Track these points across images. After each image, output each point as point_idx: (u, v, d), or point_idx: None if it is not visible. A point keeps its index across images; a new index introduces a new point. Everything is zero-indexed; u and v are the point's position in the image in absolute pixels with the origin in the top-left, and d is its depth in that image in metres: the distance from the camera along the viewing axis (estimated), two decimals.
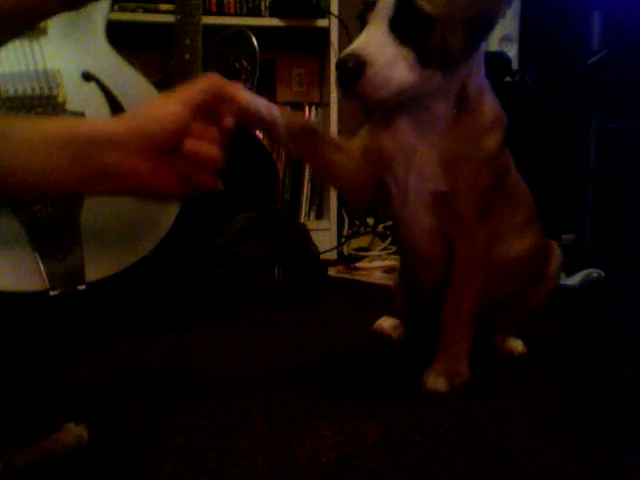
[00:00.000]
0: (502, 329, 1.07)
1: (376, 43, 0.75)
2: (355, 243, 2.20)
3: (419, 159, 0.86)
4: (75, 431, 0.70)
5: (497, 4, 0.80)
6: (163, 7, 1.89)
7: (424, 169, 0.86)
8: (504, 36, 1.92)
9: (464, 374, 0.90)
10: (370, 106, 0.79)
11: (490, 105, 0.88)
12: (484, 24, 0.80)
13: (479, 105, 0.86)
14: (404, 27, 0.75)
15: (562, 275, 1.68)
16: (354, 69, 0.73)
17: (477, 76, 0.85)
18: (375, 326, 1.12)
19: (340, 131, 2.05)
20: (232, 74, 1.76)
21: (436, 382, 0.88)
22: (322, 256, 1.88)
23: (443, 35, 0.76)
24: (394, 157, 0.88)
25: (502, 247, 0.95)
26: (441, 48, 0.76)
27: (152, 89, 1.33)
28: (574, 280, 1.66)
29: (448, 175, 0.85)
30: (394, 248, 2.09)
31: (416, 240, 0.93)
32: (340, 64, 0.74)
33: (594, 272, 1.67)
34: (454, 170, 0.85)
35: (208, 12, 1.89)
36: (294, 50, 2.18)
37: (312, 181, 2.15)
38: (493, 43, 1.91)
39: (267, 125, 0.81)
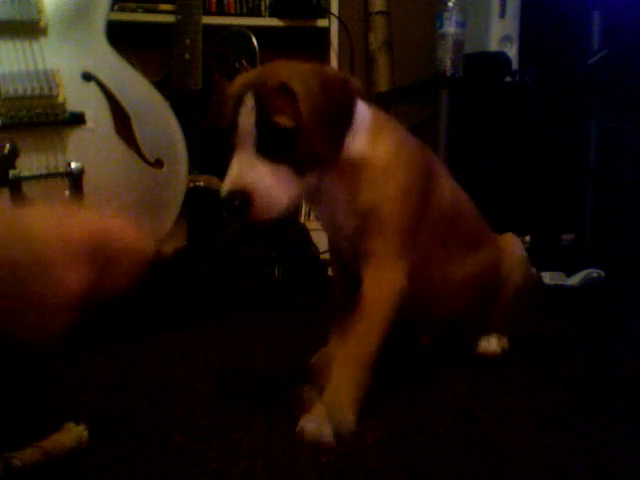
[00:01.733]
0: (483, 332, 1.07)
1: (251, 170, 0.76)
2: None
3: (335, 217, 0.89)
4: (75, 431, 0.70)
5: (347, 98, 0.81)
6: (163, 7, 1.89)
7: (340, 222, 0.88)
8: (504, 36, 1.92)
9: (349, 418, 0.76)
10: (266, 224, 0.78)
11: (381, 157, 0.86)
12: (341, 119, 0.81)
13: (368, 163, 0.85)
14: (270, 146, 0.77)
15: (562, 275, 1.68)
16: (241, 205, 0.75)
17: (355, 141, 0.84)
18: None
19: None
20: (232, 74, 1.76)
21: (319, 429, 0.74)
22: (322, 256, 1.88)
23: (308, 143, 0.77)
24: (327, 229, 0.94)
25: (450, 268, 0.96)
26: (310, 154, 0.78)
27: (152, 89, 1.32)
28: (574, 280, 1.66)
29: (357, 227, 0.87)
30: None
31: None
32: (226, 204, 0.75)
33: (594, 272, 1.68)
34: (362, 223, 0.86)
35: (208, 12, 1.89)
36: (294, 50, 2.17)
37: None
38: (493, 43, 1.91)
39: None
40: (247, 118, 0.77)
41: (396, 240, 0.85)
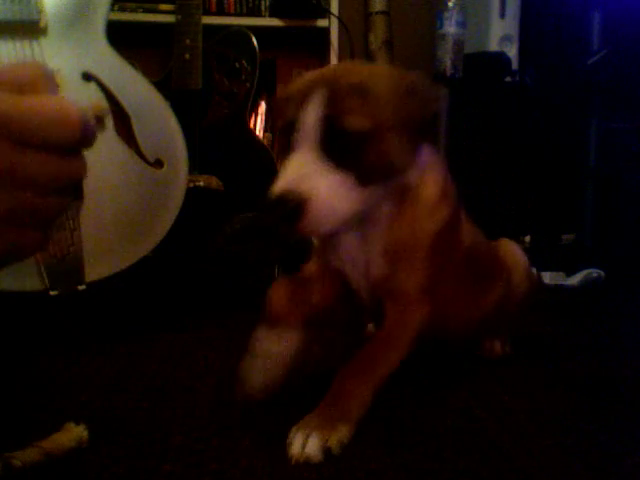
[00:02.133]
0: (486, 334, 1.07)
1: (311, 174, 0.66)
2: None
3: (363, 257, 0.81)
4: (75, 431, 0.70)
5: (433, 103, 0.74)
6: (163, 7, 1.89)
7: (368, 264, 0.81)
8: (504, 36, 1.92)
9: (342, 433, 0.71)
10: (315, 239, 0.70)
11: (432, 187, 0.81)
12: (425, 129, 0.73)
13: (420, 192, 0.80)
14: (336, 150, 0.67)
15: (562, 275, 1.68)
16: (293, 212, 0.64)
17: (418, 166, 0.78)
18: None
19: None
20: (232, 74, 1.76)
21: (306, 445, 0.68)
22: None
23: (379, 150, 0.69)
24: (344, 263, 0.83)
25: (468, 303, 0.94)
26: (380, 164, 0.70)
27: (152, 89, 1.32)
28: (574, 280, 1.66)
29: (389, 263, 0.80)
30: None
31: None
32: (275, 208, 0.64)
33: (594, 272, 1.68)
34: (395, 258, 0.80)
35: (208, 12, 1.89)
36: (294, 50, 2.17)
37: None
38: (493, 43, 1.91)
39: None
40: (314, 115, 0.68)
41: (426, 277, 0.81)
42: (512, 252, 1.06)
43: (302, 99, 0.69)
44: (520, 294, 1.03)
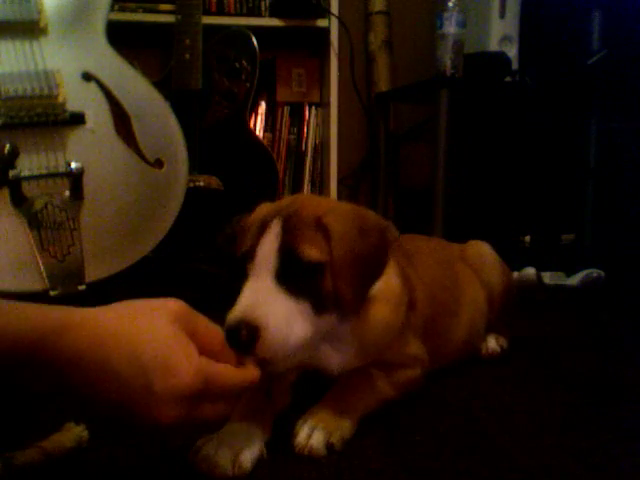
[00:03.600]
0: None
1: (265, 301, 0.68)
2: None
3: (330, 357, 0.81)
4: (75, 431, 0.70)
5: (383, 247, 0.75)
6: (163, 7, 1.88)
7: (337, 362, 0.82)
8: (504, 36, 1.91)
9: (345, 429, 0.74)
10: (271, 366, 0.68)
11: (384, 310, 0.82)
12: (373, 268, 0.75)
13: (374, 305, 0.81)
14: (292, 278, 0.69)
15: (562, 275, 1.68)
16: (248, 339, 0.65)
17: (370, 294, 0.79)
18: None
19: (340, 131, 2.05)
20: (232, 74, 1.76)
21: (311, 437, 0.72)
22: None
23: (334, 281, 0.71)
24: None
25: (450, 334, 0.99)
26: (334, 294, 0.71)
27: (152, 89, 1.33)
28: (574, 280, 1.66)
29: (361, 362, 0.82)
30: None
31: None
32: (231, 334, 0.65)
33: (594, 272, 1.68)
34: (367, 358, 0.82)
35: (208, 12, 1.88)
36: (294, 50, 2.17)
37: (312, 181, 2.15)
38: (493, 43, 1.91)
39: None
40: (270, 244, 0.70)
41: (411, 348, 0.86)
42: (478, 253, 1.09)
43: (259, 229, 0.72)
44: (496, 287, 1.07)
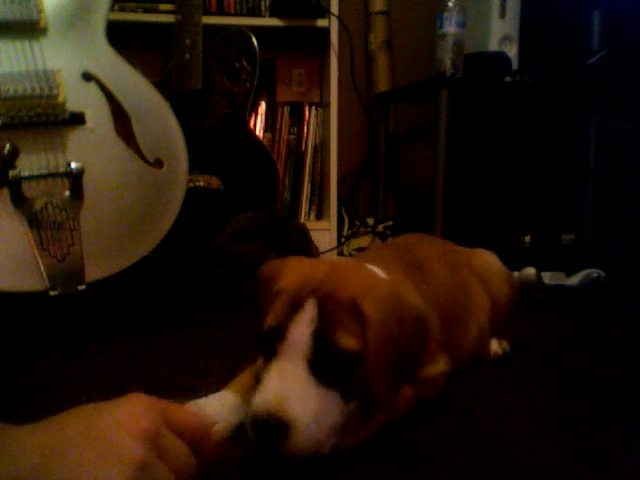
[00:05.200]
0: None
1: (296, 393, 0.64)
2: (355, 243, 2.20)
3: None
4: None
5: (421, 338, 0.72)
6: (163, 7, 1.88)
7: None
8: (504, 36, 1.92)
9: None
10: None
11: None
12: (410, 361, 0.72)
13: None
14: (324, 366, 0.66)
15: (562, 275, 1.68)
16: (276, 436, 0.62)
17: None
18: None
19: (340, 131, 2.05)
20: (232, 74, 1.76)
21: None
22: (322, 256, 1.88)
23: (368, 371, 0.67)
24: None
25: (462, 341, 0.99)
26: (366, 385, 0.68)
27: (152, 89, 1.32)
28: (574, 280, 1.66)
29: None
30: None
31: None
32: (259, 429, 0.63)
33: (594, 272, 1.67)
34: None
35: (208, 12, 1.88)
36: (294, 50, 2.18)
37: (312, 181, 2.15)
38: (493, 43, 1.91)
39: None
40: (304, 327, 0.66)
41: (439, 365, 0.86)
42: (486, 265, 1.08)
43: (292, 305, 0.68)
44: (500, 299, 1.06)
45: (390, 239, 1.15)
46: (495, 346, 1.08)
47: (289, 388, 0.65)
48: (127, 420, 0.54)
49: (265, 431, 0.63)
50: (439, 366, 0.86)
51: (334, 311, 0.67)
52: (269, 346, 0.69)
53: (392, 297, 0.71)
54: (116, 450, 0.51)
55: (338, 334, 0.66)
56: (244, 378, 0.79)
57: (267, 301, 0.73)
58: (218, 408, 0.74)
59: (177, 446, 0.55)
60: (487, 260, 1.09)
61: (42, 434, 0.52)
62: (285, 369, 0.66)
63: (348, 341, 0.66)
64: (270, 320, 0.70)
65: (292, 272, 0.73)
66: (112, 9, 1.34)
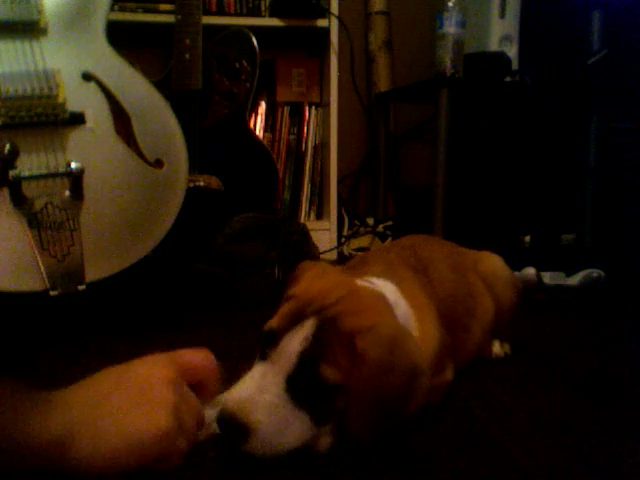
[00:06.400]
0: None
1: (267, 402, 0.65)
2: (355, 243, 2.20)
3: None
4: None
5: (412, 387, 0.69)
6: (163, 7, 1.89)
7: None
8: (504, 36, 1.92)
9: None
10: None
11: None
12: (393, 407, 0.69)
13: None
14: (303, 390, 0.66)
15: (562, 275, 1.68)
16: (235, 436, 0.64)
17: None
18: None
19: (340, 131, 2.05)
20: (232, 74, 1.76)
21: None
22: (322, 256, 1.88)
23: (348, 407, 0.67)
24: None
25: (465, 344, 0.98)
26: (340, 417, 0.68)
27: (152, 89, 1.32)
28: (574, 280, 1.66)
29: None
30: None
31: None
32: (221, 424, 0.65)
33: (594, 272, 1.67)
34: None
35: (208, 12, 1.89)
36: (294, 50, 2.18)
37: (312, 181, 2.15)
38: (493, 43, 1.91)
39: None
40: (295, 344, 0.67)
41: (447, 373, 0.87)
42: (492, 269, 1.08)
43: (294, 317, 0.69)
44: (505, 303, 1.06)
45: (395, 240, 1.14)
46: (497, 348, 1.08)
47: (262, 396, 0.66)
48: (154, 371, 0.64)
49: (227, 429, 0.65)
50: (446, 375, 0.86)
51: (329, 339, 0.67)
52: (263, 347, 0.70)
53: (393, 343, 0.69)
54: (151, 396, 0.61)
55: (324, 364, 0.66)
56: None
57: (282, 300, 0.74)
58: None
59: (191, 394, 0.66)
60: (493, 264, 1.09)
61: (80, 391, 0.61)
62: (266, 375, 0.67)
63: (331, 373, 0.66)
64: (272, 322, 0.71)
65: (310, 282, 0.74)
66: (112, 9, 1.34)
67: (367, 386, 0.66)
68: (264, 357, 0.70)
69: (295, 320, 0.69)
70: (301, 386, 0.66)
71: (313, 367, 0.66)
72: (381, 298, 0.77)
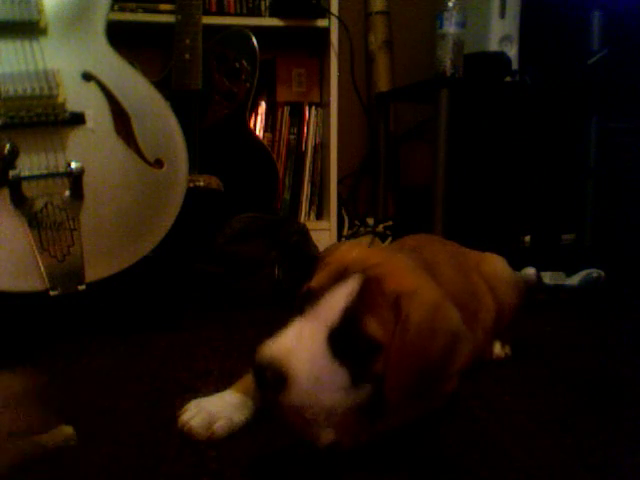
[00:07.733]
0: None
1: (306, 351, 0.63)
2: None
3: None
4: (65, 430, 0.72)
5: (452, 352, 0.68)
6: (163, 7, 1.88)
7: None
8: (504, 36, 1.92)
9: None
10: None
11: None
12: (432, 374, 0.67)
13: None
14: (345, 346, 0.64)
15: (562, 275, 1.68)
16: (273, 384, 0.61)
17: None
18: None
19: (340, 131, 2.05)
20: (232, 74, 1.76)
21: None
22: None
23: (386, 371, 0.65)
24: None
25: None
26: (381, 385, 0.65)
27: (152, 89, 1.32)
28: (574, 280, 1.66)
29: None
30: None
31: None
32: (257, 372, 0.62)
33: (594, 272, 1.67)
34: None
35: (208, 12, 1.88)
36: (294, 50, 2.17)
37: (312, 181, 2.15)
38: (493, 43, 1.91)
39: None
40: (339, 298, 0.65)
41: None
42: (495, 271, 1.07)
43: (336, 274, 0.67)
44: (507, 305, 1.06)
45: (398, 240, 1.14)
46: (498, 349, 1.08)
47: (300, 346, 0.63)
48: None
49: (263, 377, 0.62)
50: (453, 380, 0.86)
51: (374, 295, 0.65)
52: (300, 307, 0.68)
53: (436, 308, 0.68)
54: None
55: (369, 317, 0.64)
56: (249, 379, 0.78)
57: (315, 272, 0.72)
58: (222, 406, 0.76)
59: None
60: (496, 265, 1.08)
61: None
62: (304, 328, 0.65)
63: (376, 329, 0.64)
64: (310, 283, 0.69)
65: (347, 250, 0.73)
66: (112, 9, 1.34)
67: (408, 349, 0.65)
68: (302, 314, 0.67)
69: (337, 279, 0.67)
70: (343, 341, 0.64)
71: (357, 322, 0.64)
72: (418, 266, 0.76)
